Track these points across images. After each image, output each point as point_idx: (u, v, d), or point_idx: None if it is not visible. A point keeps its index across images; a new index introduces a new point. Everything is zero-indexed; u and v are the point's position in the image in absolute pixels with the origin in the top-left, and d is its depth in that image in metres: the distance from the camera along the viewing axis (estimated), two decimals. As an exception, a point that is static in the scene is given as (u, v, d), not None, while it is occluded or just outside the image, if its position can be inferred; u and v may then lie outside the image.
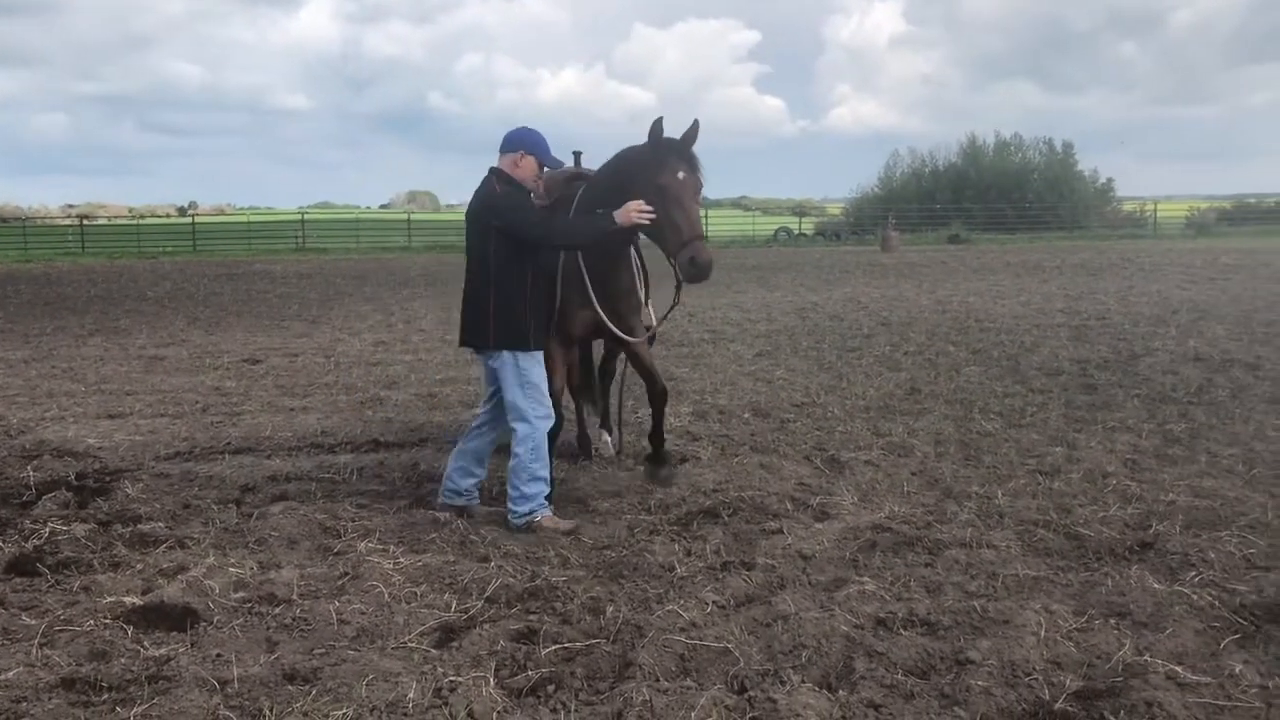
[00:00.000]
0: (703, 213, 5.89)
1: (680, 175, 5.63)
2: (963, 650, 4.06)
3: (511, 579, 4.96)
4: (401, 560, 5.22)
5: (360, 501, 6.40)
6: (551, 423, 5.99)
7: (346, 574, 5.06)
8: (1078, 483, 6.56)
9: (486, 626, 4.40)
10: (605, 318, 6.08)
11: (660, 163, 5.63)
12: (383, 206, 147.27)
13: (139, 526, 5.83)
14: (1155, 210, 52.47)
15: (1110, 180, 56.47)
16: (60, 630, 4.37)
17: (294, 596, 4.75)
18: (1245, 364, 10.79)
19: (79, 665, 4.03)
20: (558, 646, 4.21)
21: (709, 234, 5.89)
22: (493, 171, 5.85)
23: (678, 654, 4.09)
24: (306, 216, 53.07)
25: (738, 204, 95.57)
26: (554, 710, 3.73)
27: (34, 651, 4.14)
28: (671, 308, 6.38)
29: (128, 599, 4.66)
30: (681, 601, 4.61)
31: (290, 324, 16.61)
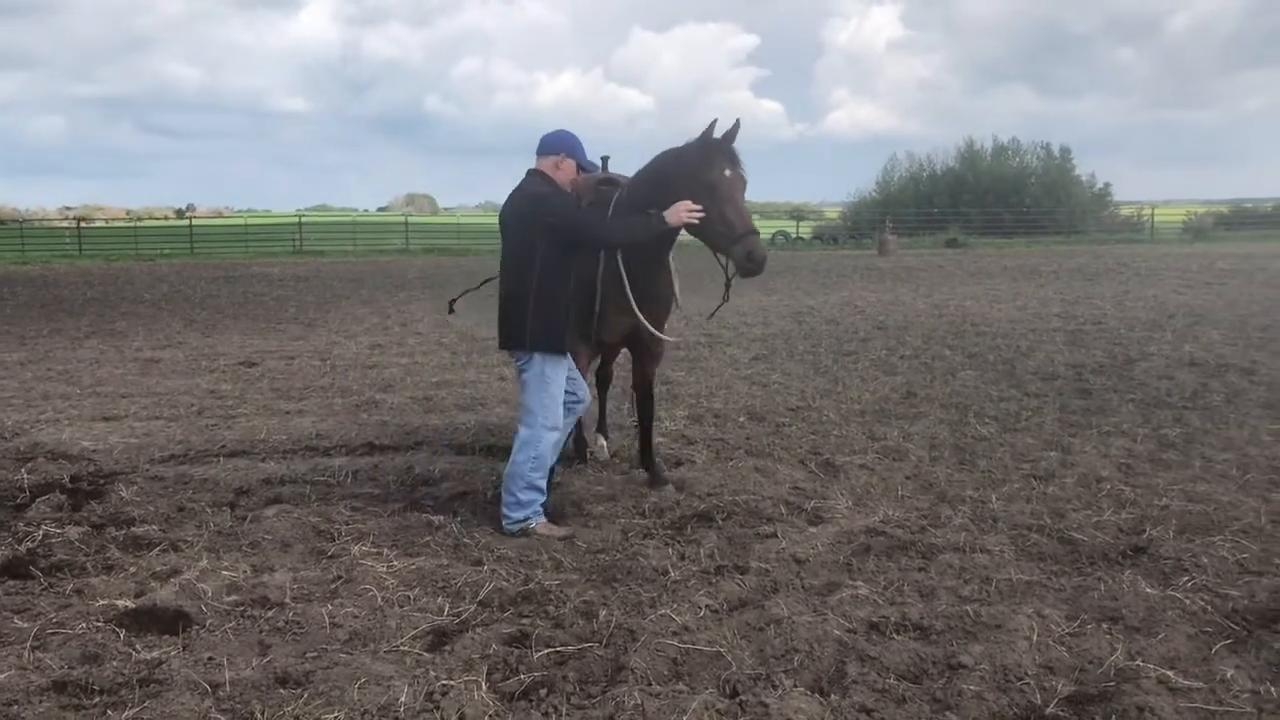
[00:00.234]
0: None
1: (727, 173, 5.71)
2: (955, 655, 4.06)
3: (504, 583, 4.96)
4: (395, 564, 5.22)
5: (354, 505, 6.39)
6: (557, 435, 5.95)
7: (340, 577, 5.06)
8: (1072, 487, 6.57)
9: (479, 630, 4.41)
10: (644, 321, 6.12)
11: (708, 161, 5.70)
12: (381, 209, 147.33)
13: (132, 529, 5.82)
14: (1152, 215, 52.54)
15: (1107, 185, 56.61)
16: (52, 633, 4.36)
17: (287, 600, 4.74)
18: (1240, 369, 10.80)
19: (71, 668, 4.02)
20: (550, 650, 4.21)
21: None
22: (533, 173, 5.86)
23: (670, 658, 4.09)
24: (304, 219, 53.02)
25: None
26: (546, 714, 3.73)
27: (26, 654, 4.14)
28: (720, 304, 6.53)
29: (120, 602, 4.66)
30: (674, 605, 4.61)
31: (286, 327, 16.60)
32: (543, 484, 5.90)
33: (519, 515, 5.82)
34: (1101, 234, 47.64)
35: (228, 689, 3.86)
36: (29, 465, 7.31)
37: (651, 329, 6.23)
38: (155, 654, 4.15)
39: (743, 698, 3.75)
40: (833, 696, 3.79)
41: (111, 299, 21.89)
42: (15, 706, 3.71)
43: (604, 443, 7.68)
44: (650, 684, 3.88)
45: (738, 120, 5.78)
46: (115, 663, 4.07)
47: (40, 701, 3.76)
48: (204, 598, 4.72)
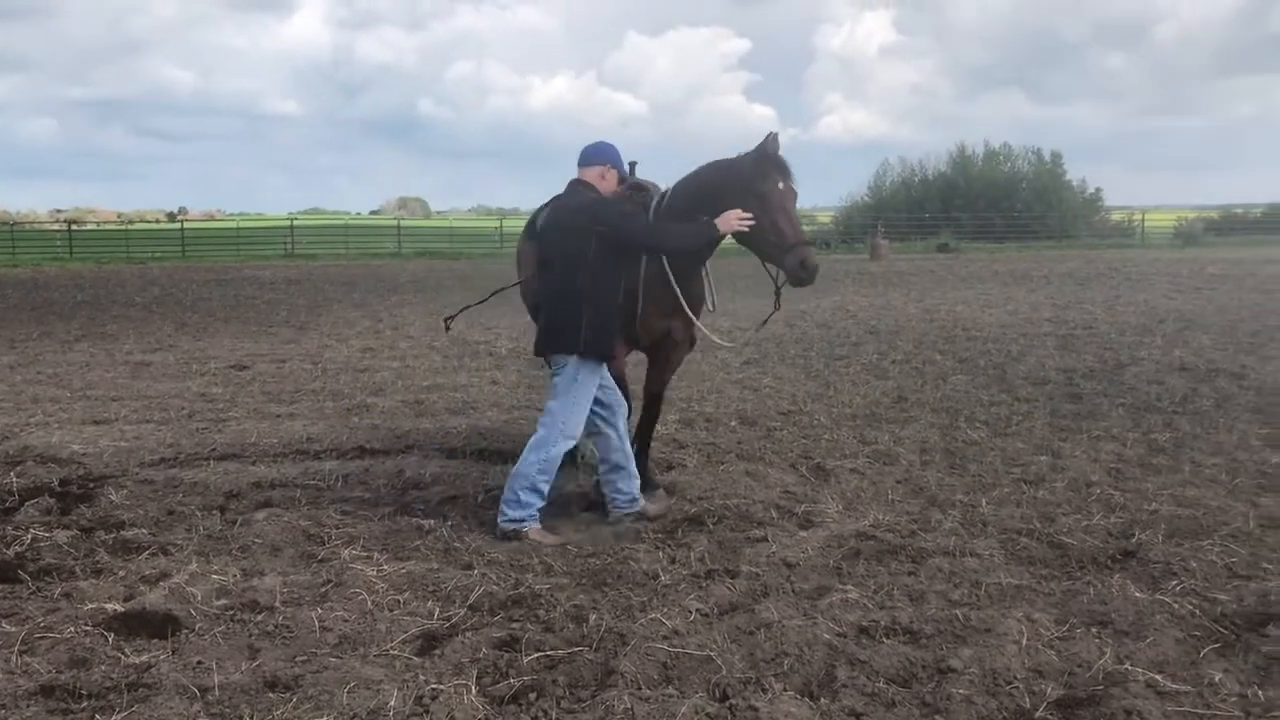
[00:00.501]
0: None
1: (780, 185, 5.82)
2: (944, 658, 4.07)
3: (495, 587, 4.96)
4: (385, 568, 5.21)
5: (345, 508, 6.39)
6: (571, 444, 5.96)
7: (330, 581, 5.04)
8: (1062, 491, 6.58)
9: (469, 634, 4.40)
10: (698, 322, 6.29)
11: (761, 173, 5.79)
12: (373, 213, 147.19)
13: (122, 533, 5.81)
14: (1143, 220, 52.68)
15: (1098, 190, 56.68)
16: (40, 637, 4.35)
17: (276, 604, 4.73)
18: (1230, 373, 10.83)
19: (59, 673, 4.01)
20: (540, 654, 4.21)
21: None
22: (578, 184, 5.95)
23: (660, 662, 4.09)
24: (296, 222, 52.94)
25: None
26: (535, 718, 3.73)
27: (13, 659, 4.13)
28: (771, 314, 6.58)
29: (109, 606, 4.65)
30: (665, 609, 4.61)
31: (278, 330, 16.58)
32: (545, 489, 5.89)
33: (516, 515, 5.80)
34: (1093, 239, 47.74)
35: (217, 693, 3.85)
36: (18, 469, 7.29)
37: (705, 330, 6.45)
38: (144, 658, 4.14)
39: (732, 701, 3.75)
40: (822, 700, 3.79)
41: (102, 302, 21.84)
42: (3, 711, 3.70)
43: (592, 447, 7.67)
44: (640, 688, 3.88)
45: (774, 134, 5.91)
46: (103, 667, 4.06)
47: (28, 706, 3.75)
48: (193, 601, 4.71)
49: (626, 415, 6.19)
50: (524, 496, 5.81)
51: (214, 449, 8.05)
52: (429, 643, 4.36)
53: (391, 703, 3.75)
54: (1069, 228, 49.92)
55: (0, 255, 39.72)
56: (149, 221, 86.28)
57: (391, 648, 4.29)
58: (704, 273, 6.43)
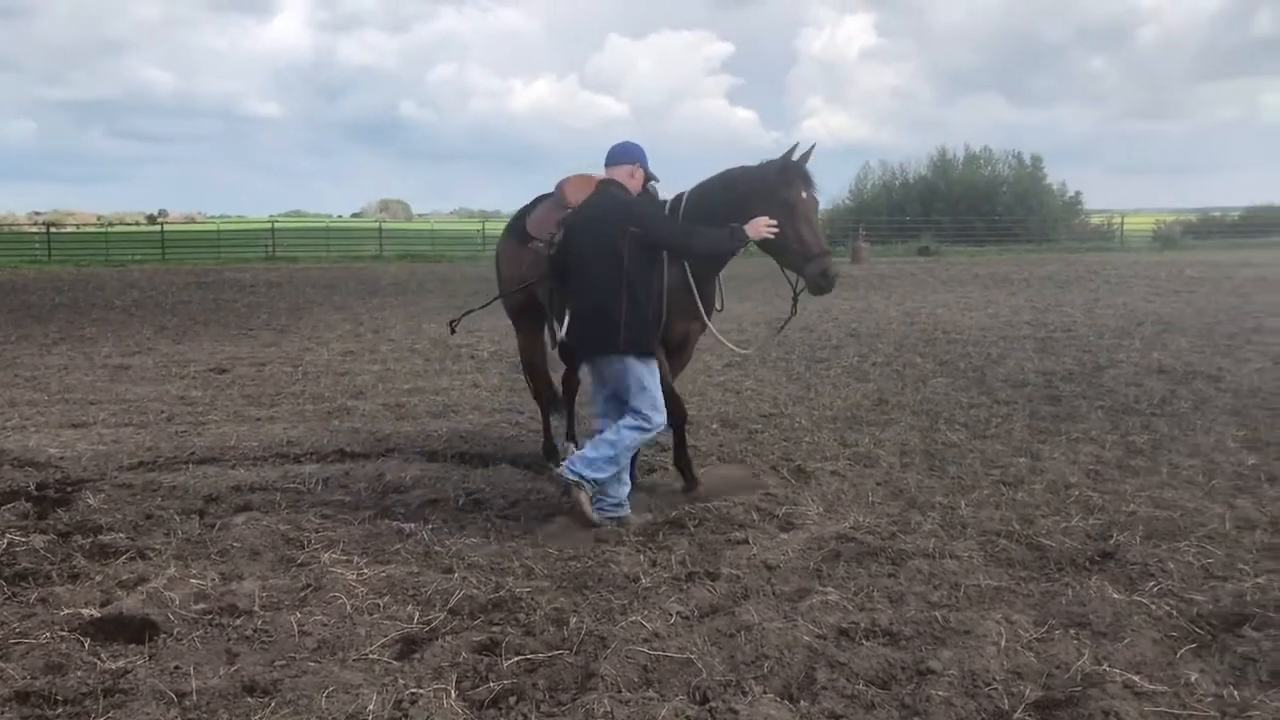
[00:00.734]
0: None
1: (804, 194, 5.99)
2: (924, 660, 4.08)
3: (475, 590, 4.95)
4: (365, 571, 5.20)
5: (324, 512, 6.36)
6: (663, 425, 6.08)
7: (309, 585, 5.02)
8: (1040, 493, 6.61)
9: (449, 638, 4.39)
10: (712, 328, 6.52)
11: (787, 182, 5.96)
12: (355, 215, 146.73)
13: (99, 537, 5.77)
14: (1122, 223, 53.01)
15: (1078, 193, 57.03)
16: (15, 643, 4.31)
17: (255, 608, 4.71)
18: (1207, 376, 10.91)
19: (34, 678, 3.98)
20: (520, 658, 4.20)
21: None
22: (610, 183, 6.06)
23: (640, 665, 4.08)
24: (277, 225, 52.70)
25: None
26: (515, 722, 3.72)
27: (-12, 664, 4.09)
28: (789, 319, 6.85)
29: (86, 611, 4.61)
30: (645, 612, 4.61)
31: (258, 333, 16.51)
32: (616, 469, 5.96)
33: (586, 473, 5.84)
34: (1072, 242, 48.00)
35: (194, 698, 3.83)
36: (-6, 473, 7.23)
37: (720, 338, 6.75)
38: (120, 663, 4.11)
39: (713, 704, 3.75)
40: (802, 703, 3.80)
41: (81, 305, 21.70)
42: (-23, 717, 3.67)
43: (574, 450, 7.66)
44: (620, 691, 3.88)
45: (814, 145, 6.07)
46: (79, 673, 4.02)
47: (2, 712, 3.72)
48: (171, 606, 4.68)
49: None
50: (614, 491, 5.99)
51: (193, 452, 8.01)
52: (408, 647, 4.34)
53: (370, 707, 3.73)
54: (1049, 231, 50.20)
55: (-23, 258, 39.44)
56: (129, 224, 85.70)
57: (371, 652, 4.27)
58: (718, 281, 6.59)
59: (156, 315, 19.48)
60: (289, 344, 15.03)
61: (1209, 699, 3.78)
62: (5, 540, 5.61)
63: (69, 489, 6.87)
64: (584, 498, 5.87)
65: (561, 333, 6.34)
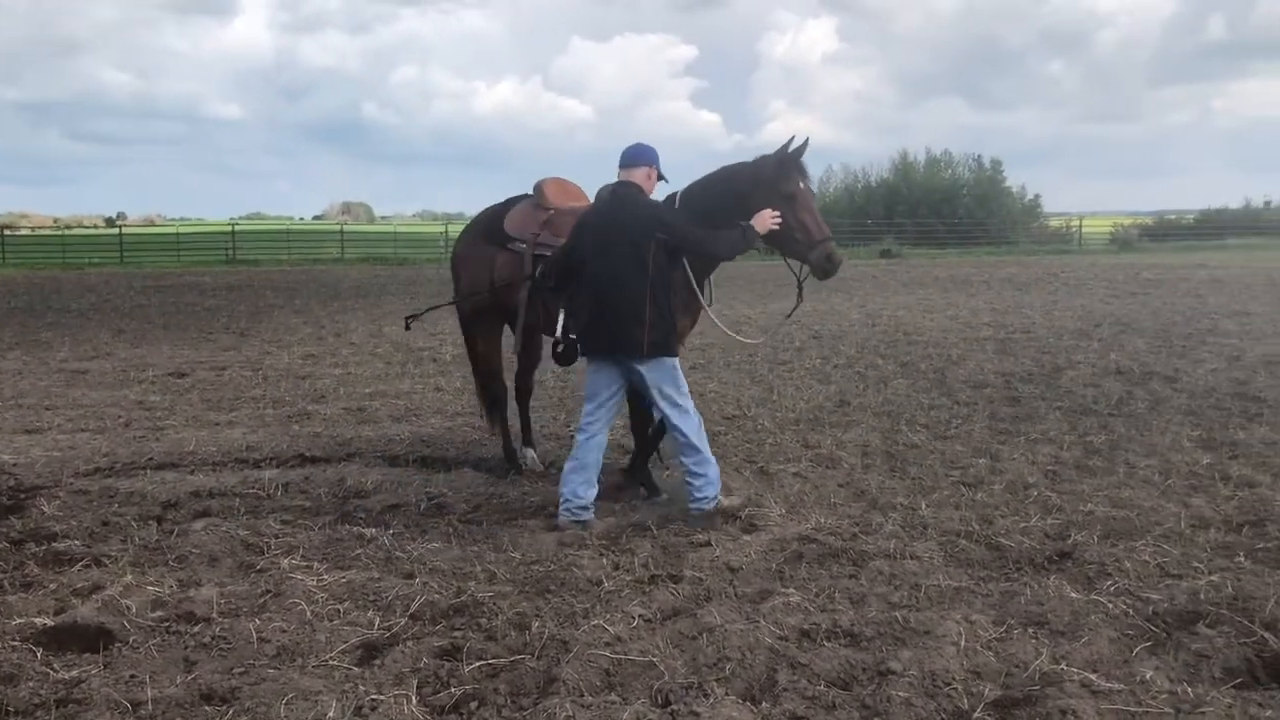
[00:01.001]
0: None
1: (802, 185, 6.20)
2: (884, 661, 4.10)
3: (436, 595, 4.92)
4: (325, 577, 5.15)
5: (284, 518, 6.30)
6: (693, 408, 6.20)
7: (268, 591, 4.97)
8: (1000, 494, 6.67)
9: (410, 644, 4.36)
10: (720, 324, 6.64)
11: (786, 174, 6.12)
12: (316, 218, 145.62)
13: (54, 545, 5.69)
14: (1080, 226, 53.59)
15: (1037, 196, 57.57)
16: (-33, 653, 4.24)
17: (213, 615, 4.65)
18: (1164, 376, 11.05)
19: (-15, 689, 3.91)
20: (482, 663, 4.18)
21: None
22: (628, 185, 6.09)
23: (603, 668, 4.08)
24: (237, 228, 52.22)
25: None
26: (476, 727, 3.70)
27: (-61, 675, 4.02)
28: (794, 309, 6.94)
29: (39, 620, 4.54)
30: (608, 616, 4.60)
31: (218, 337, 16.35)
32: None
33: (712, 492, 6.07)
34: (1031, 245, 48.45)
35: (150, 707, 3.77)
36: (-54, 480, 7.11)
37: (727, 330, 7.05)
38: (74, 673, 4.05)
39: (674, 707, 3.75)
40: (764, 704, 3.81)
41: (36, 309, 21.40)
42: (-73, 729, 3.60)
43: (533, 454, 7.65)
44: (582, 695, 3.87)
45: (807, 138, 6.19)
46: (32, 683, 3.96)
47: (-47, 723, 3.65)
48: (127, 614, 4.61)
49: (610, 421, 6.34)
50: (710, 472, 6.09)
51: (151, 458, 7.92)
52: (369, 653, 4.31)
53: (330, 714, 3.70)
54: (1009, 234, 50.65)
55: (-70, 261, 38.79)
56: (87, 227, 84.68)
57: (331, 658, 4.24)
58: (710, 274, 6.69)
59: (114, 319, 19.23)
60: (249, 348, 14.90)
61: (1164, 696, 3.83)
62: (-43, 548, 5.53)
63: (22, 496, 6.77)
64: (727, 501, 6.16)
65: (558, 333, 6.33)
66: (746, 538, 5.79)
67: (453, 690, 3.94)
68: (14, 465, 7.64)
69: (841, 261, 6.31)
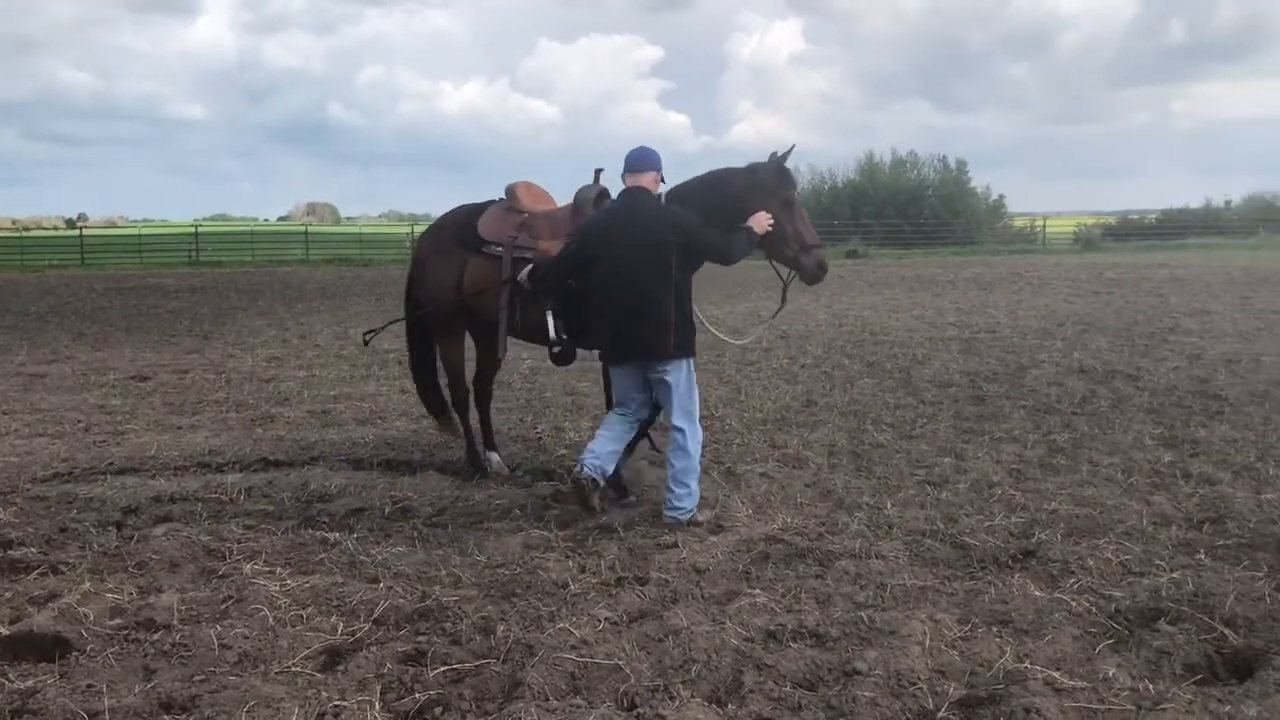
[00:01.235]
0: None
1: (796, 191, 6.51)
2: (850, 661, 4.11)
3: (401, 600, 4.88)
4: (288, 582, 5.10)
5: (247, 522, 6.24)
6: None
7: (230, 597, 4.92)
8: (965, 492, 6.71)
9: (374, 649, 4.32)
10: (709, 326, 6.70)
11: (785, 181, 6.40)
12: (281, 219, 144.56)
13: (9, 552, 5.60)
14: (1044, 226, 54.06)
15: (1002, 197, 57.95)
16: (-80, 663, 4.16)
17: (174, 622, 4.60)
18: (1126, 375, 11.16)
19: (-61, 700, 3.84)
20: (446, 668, 4.15)
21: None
22: (640, 191, 6.16)
23: (568, 672, 4.06)
24: (201, 229, 51.71)
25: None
26: (440, 733, 3.67)
27: (-110, 687, 3.94)
28: (779, 310, 7.18)
29: (-7, 629, 4.47)
30: (574, 619, 4.59)
31: (181, 339, 16.17)
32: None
33: (690, 505, 6.07)
34: (996, 245, 48.79)
35: (107, 717, 3.72)
36: (-100, 487, 6.98)
37: (716, 332, 7.43)
38: (30, 683, 3.98)
39: (640, 710, 3.74)
40: (730, 706, 3.80)
41: (-6, 312, 21.08)
42: (-123, 742, 3.53)
43: (497, 457, 7.60)
44: (548, 699, 3.85)
45: (793, 145, 6.52)
46: (-13, 693, 3.90)
47: (-95, 736, 3.59)
48: (85, 622, 4.55)
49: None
50: (695, 486, 6.12)
51: (111, 463, 7.81)
52: (332, 659, 4.27)
53: (292, 721, 3.66)
54: (973, 234, 50.99)
55: (-115, 263, 38.13)
56: (46, 229, 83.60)
57: (293, 664, 4.20)
58: None
59: (75, 322, 18.97)
60: (212, 350, 14.74)
61: (1126, 693, 3.85)
62: (-90, 557, 5.42)
63: (-21, 502, 6.65)
64: (702, 516, 6.11)
65: (553, 335, 6.44)
66: (713, 538, 5.79)
67: (417, 696, 3.91)
68: (-30, 471, 7.51)
69: (829, 268, 6.58)
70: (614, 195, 6.78)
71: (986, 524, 5.99)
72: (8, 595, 4.94)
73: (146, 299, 24.11)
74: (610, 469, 6.21)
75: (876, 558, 5.43)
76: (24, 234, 60.77)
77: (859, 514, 6.26)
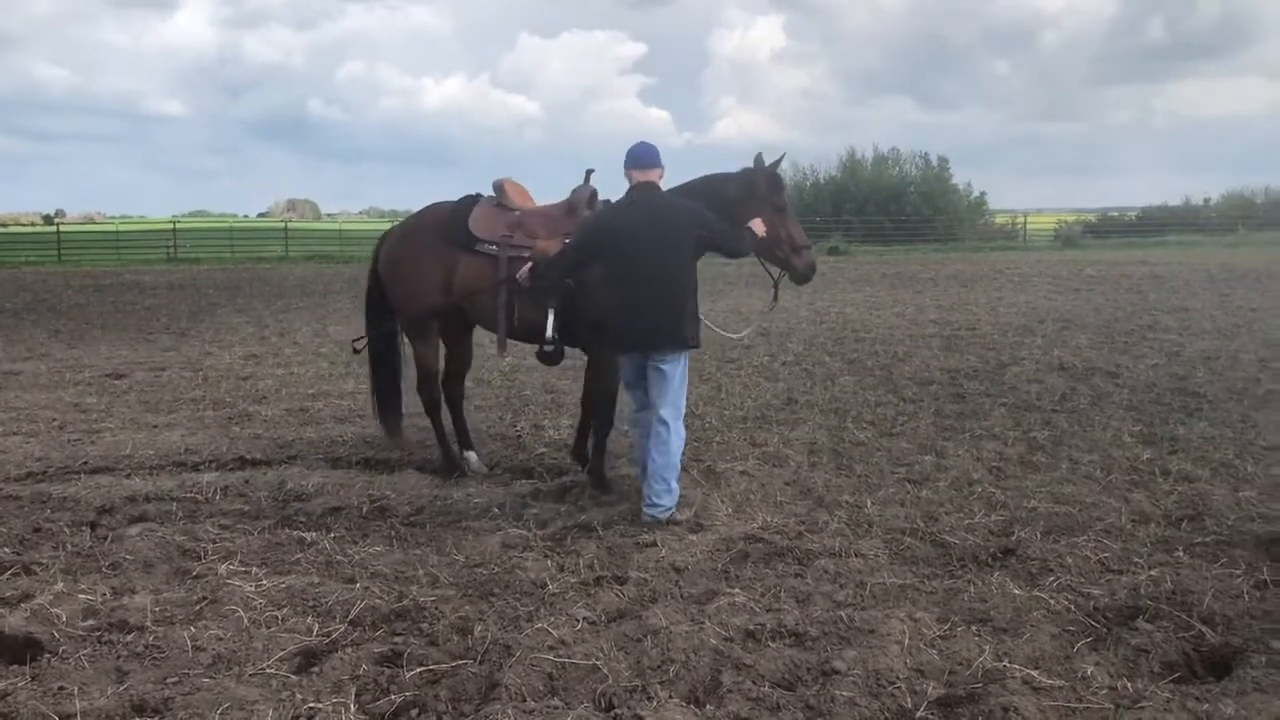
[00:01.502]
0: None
1: (785, 197, 6.75)
2: (829, 660, 4.10)
3: (378, 600, 4.84)
4: (263, 583, 5.05)
5: (223, 522, 6.19)
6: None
7: (205, 598, 4.87)
8: (945, 490, 6.71)
9: (349, 650, 4.28)
10: (706, 322, 6.72)
11: (777, 188, 6.69)
12: (261, 215, 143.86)
13: (-19, 553, 5.53)
14: (1025, 223, 54.27)
15: (983, 194, 58.07)
16: (-113, 666, 4.10)
17: (147, 623, 4.55)
18: (1106, 372, 11.20)
19: (-94, 704, 3.79)
20: (423, 669, 4.12)
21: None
22: (651, 186, 6.27)
23: (546, 673, 4.03)
24: (180, 225, 51.38)
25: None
26: (416, 735, 3.64)
27: None
28: (772, 306, 7.30)
29: (-36, 631, 4.41)
30: (552, 619, 4.56)
31: (157, 337, 16.04)
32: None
33: (670, 503, 6.08)
34: (977, 242, 48.94)
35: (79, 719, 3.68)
36: None
37: (712, 326, 7.40)
38: (1, 685, 3.93)
39: (618, 711, 3.72)
40: (708, 706, 3.78)
41: (-31, 309, 20.88)
42: None
43: (474, 456, 7.56)
44: (525, 700, 3.82)
45: (783, 154, 6.83)
46: (-45, 696, 3.84)
47: None
48: (57, 623, 4.50)
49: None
50: (675, 484, 6.13)
51: (86, 462, 7.74)
52: (307, 660, 4.23)
53: (266, 724, 3.63)
54: (955, 230, 51.13)
55: None
56: (23, 225, 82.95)
57: (268, 666, 4.16)
58: None
59: (50, 319, 18.81)
60: (189, 348, 14.63)
61: (1104, 691, 3.86)
62: (-121, 558, 5.35)
63: (-49, 502, 6.57)
64: (681, 516, 6.10)
65: (549, 334, 6.63)
66: (692, 537, 5.77)
67: (393, 697, 3.88)
68: (-58, 470, 7.42)
69: (817, 268, 6.86)
70: (601, 195, 6.94)
71: (966, 522, 6.00)
72: (-22, 597, 4.88)
73: (123, 296, 23.92)
74: (675, 500, 6.19)
75: (856, 556, 5.42)
76: (0, 230, 60.24)
77: (839, 512, 6.25)
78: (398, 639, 4.43)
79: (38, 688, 3.92)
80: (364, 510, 6.45)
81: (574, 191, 6.98)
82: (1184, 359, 12.06)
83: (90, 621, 4.57)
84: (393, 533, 6.03)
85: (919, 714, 3.71)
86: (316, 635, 4.46)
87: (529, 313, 6.75)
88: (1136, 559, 5.30)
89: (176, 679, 4.02)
